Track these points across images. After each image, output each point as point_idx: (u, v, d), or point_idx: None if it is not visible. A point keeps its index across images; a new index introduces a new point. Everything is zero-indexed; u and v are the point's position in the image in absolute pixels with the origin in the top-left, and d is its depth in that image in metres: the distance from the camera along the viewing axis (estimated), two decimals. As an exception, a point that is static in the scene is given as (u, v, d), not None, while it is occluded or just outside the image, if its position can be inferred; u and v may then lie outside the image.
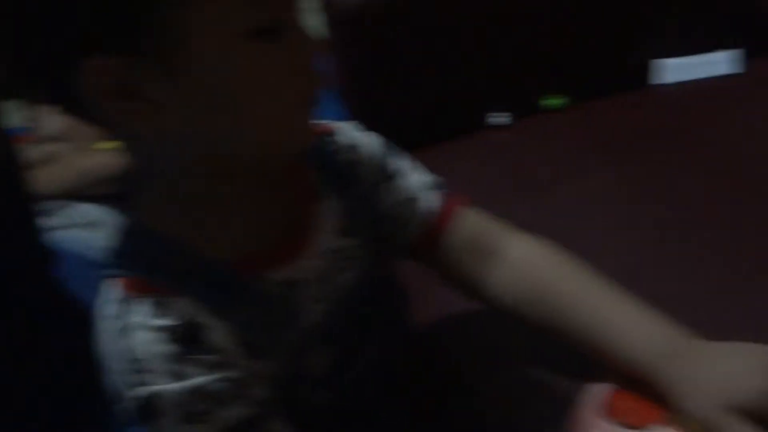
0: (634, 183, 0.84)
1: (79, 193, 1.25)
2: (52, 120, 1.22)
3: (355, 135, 0.64)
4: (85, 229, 1.27)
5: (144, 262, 0.53)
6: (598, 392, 0.59)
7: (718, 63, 0.97)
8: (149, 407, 0.51)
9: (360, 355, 0.61)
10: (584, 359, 0.60)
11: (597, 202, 0.83)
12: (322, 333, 0.58)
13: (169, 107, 0.48)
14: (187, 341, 0.51)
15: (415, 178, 0.65)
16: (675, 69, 0.99)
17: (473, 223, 0.66)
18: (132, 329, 0.51)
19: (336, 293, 0.58)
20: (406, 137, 0.97)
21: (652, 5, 0.99)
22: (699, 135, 0.88)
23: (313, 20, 1.04)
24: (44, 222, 1.19)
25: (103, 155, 1.22)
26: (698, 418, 0.52)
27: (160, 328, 0.50)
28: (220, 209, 0.54)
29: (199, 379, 0.51)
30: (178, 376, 0.50)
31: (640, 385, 0.57)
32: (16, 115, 1.23)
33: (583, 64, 1.01)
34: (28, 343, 1.06)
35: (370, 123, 1.00)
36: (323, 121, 0.63)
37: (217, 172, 0.52)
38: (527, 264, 0.64)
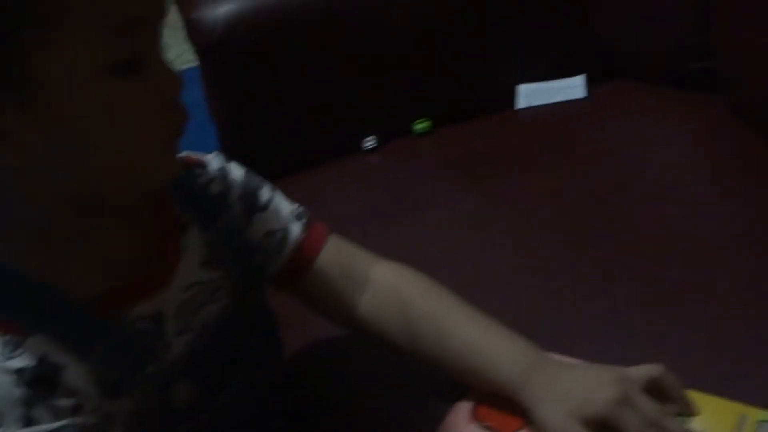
0: (494, 202, 0.89)
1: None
2: None
3: (225, 166, 0.64)
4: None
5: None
6: (467, 402, 0.63)
7: (569, 88, 1.05)
8: None
9: (226, 386, 0.61)
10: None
11: (461, 222, 0.87)
12: (185, 366, 0.58)
13: (31, 145, 0.47)
14: (39, 384, 0.49)
15: (283, 209, 0.66)
16: (531, 94, 1.06)
17: (339, 252, 0.67)
18: None
19: (200, 325, 0.58)
20: (280, 164, 1.00)
21: (511, 34, 1.05)
22: (551, 155, 0.94)
23: (182, 48, 1.04)
24: None
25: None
26: (555, 429, 0.57)
27: (10, 370, 0.49)
28: (78, 246, 0.53)
29: (50, 426, 0.49)
30: (28, 422, 0.49)
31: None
32: None
33: (449, 90, 1.06)
34: None
35: (243, 150, 1.02)
36: (193, 153, 0.63)
37: (78, 208, 0.51)
38: (392, 290, 0.66)
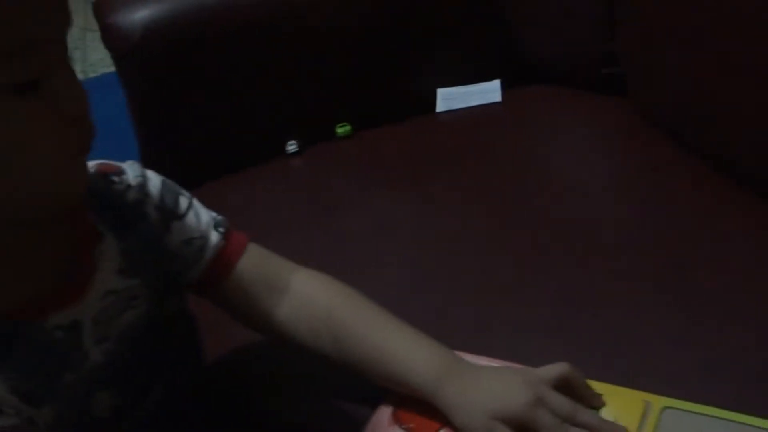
0: (415, 204, 0.91)
1: None
2: None
3: (143, 174, 0.64)
4: None
5: None
6: (388, 405, 0.65)
7: (486, 92, 1.08)
8: None
9: (146, 394, 0.61)
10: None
11: (384, 224, 0.89)
12: (104, 374, 0.57)
13: None
14: None
15: (202, 217, 0.66)
16: (449, 98, 1.09)
17: (258, 260, 0.68)
18: None
19: (118, 333, 0.58)
20: (203, 169, 1.00)
21: (431, 39, 1.08)
22: (469, 157, 0.97)
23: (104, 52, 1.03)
24: None
25: None
26: (466, 419, 0.59)
27: None
28: None
29: None
30: None
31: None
32: None
33: (370, 94, 1.08)
34: None
35: (164, 155, 1.02)
36: (109, 161, 0.63)
37: None
38: (308, 297, 0.67)
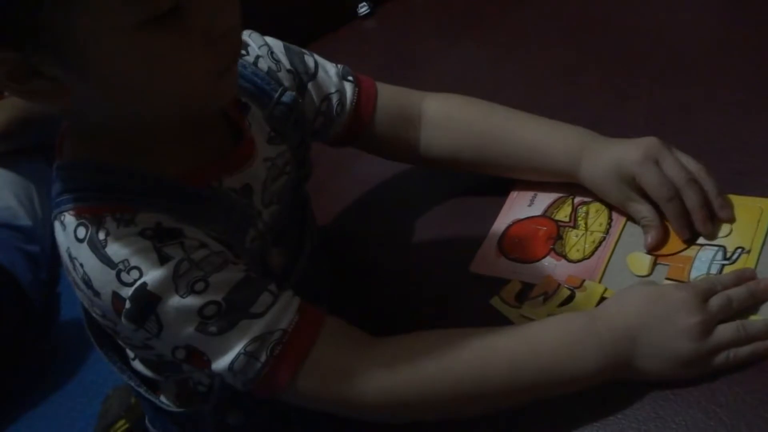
0: (496, 46, 0.91)
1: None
2: None
3: (266, 42, 0.65)
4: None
5: (92, 191, 0.53)
6: (493, 239, 0.68)
7: None
8: (144, 300, 0.51)
9: (301, 251, 0.66)
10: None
11: (466, 71, 0.90)
12: (273, 233, 0.62)
13: (76, 88, 0.49)
14: (165, 234, 0.52)
15: (329, 71, 0.69)
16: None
17: (390, 97, 0.72)
18: (103, 241, 0.51)
19: (278, 197, 0.62)
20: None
21: None
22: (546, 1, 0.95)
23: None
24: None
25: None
26: (606, 190, 0.65)
27: (133, 232, 0.51)
28: (158, 139, 0.55)
29: (184, 254, 0.51)
30: (163, 260, 0.51)
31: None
32: None
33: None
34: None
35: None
36: None
37: (147, 123, 0.53)
38: (444, 117, 0.71)
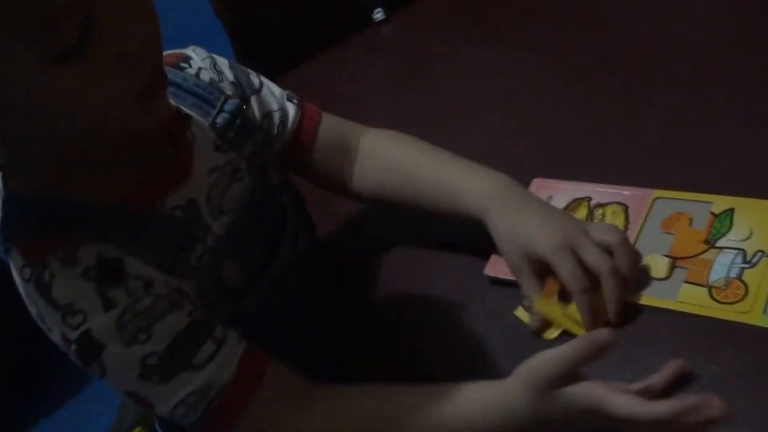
0: (509, 49, 0.91)
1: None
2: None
3: (209, 55, 0.66)
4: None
5: (36, 226, 0.53)
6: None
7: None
8: (88, 345, 0.52)
9: (274, 259, 0.65)
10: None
11: (479, 75, 0.89)
12: (228, 245, 0.61)
13: (6, 130, 0.49)
14: (106, 274, 0.52)
15: (275, 91, 0.69)
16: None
17: (332, 127, 0.72)
18: (47, 284, 0.52)
19: (232, 206, 0.61)
20: (295, 50, 1.01)
21: None
22: (559, 6, 0.94)
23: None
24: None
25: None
26: (505, 254, 0.63)
27: (75, 274, 0.52)
28: (95, 164, 0.54)
29: (128, 301, 0.52)
30: (107, 306, 0.52)
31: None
32: None
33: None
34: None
35: (256, 43, 1.04)
36: (171, 51, 0.64)
37: (82, 151, 0.53)
38: (373, 153, 0.72)
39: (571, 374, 0.51)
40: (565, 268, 0.58)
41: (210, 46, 0.68)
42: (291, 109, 0.69)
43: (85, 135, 0.51)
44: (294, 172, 0.73)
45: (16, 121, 0.48)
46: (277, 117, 0.68)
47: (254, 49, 1.10)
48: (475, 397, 0.54)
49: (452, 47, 0.95)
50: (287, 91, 0.71)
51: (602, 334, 0.50)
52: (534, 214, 0.62)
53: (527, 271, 0.61)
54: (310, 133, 0.70)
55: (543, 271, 0.60)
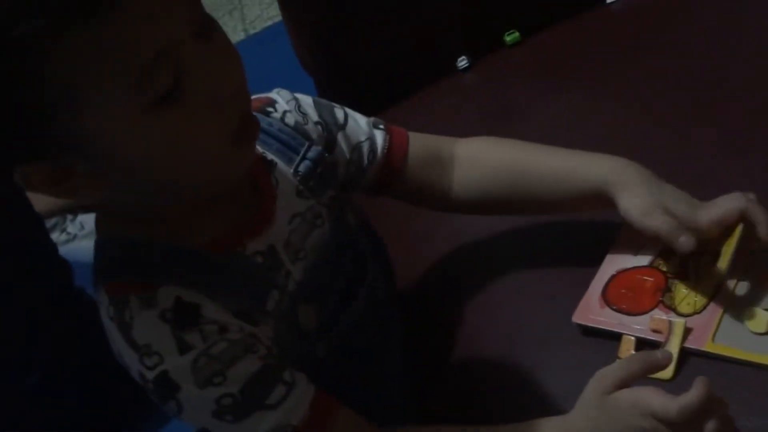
0: (592, 101, 0.91)
1: (70, 207, 1.30)
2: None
3: (295, 97, 0.67)
4: (87, 238, 1.32)
5: (122, 267, 0.56)
6: (596, 288, 0.66)
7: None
8: (164, 385, 0.54)
9: (349, 306, 0.66)
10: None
11: (564, 125, 0.89)
12: (306, 289, 0.62)
13: (107, 179, 0.51)
14: (183, 317, 0.54)
15: (360, 121, 0.71)
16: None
17: (422, 144, 0.73)
18: (128, 324, 0.55)
19: (311, 251, 0.63)
20: (378, 97, 1.03)
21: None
22: (643, 48, 0.94)
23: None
24: (53, 238, 1.24)
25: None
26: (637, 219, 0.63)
27: (153, 315, 0.54)
28: (182, 211, 0.56)
29: (203, 346, 0.54)
30: (182, 349, 0.54)
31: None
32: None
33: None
34: (63, 358, 1.12)
35: (341, 92, 1.06)
36: (257, 95, 0.66)
37: (175, 199, 0.55)
38: (475, 158, 0.73)
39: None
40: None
41: (294, 92, 0.69)
42: (379, 136, 0.70)
43: (179, 184, 0.53)
44: (391, 195, 0.74)
45: (110, 170, 0.51)
46: (366, 147, 0.69)
47: (338, 96, 1.12)
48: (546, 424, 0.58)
49: (536, 96, 0.95)
50: (373, 118, 0.72)
51: (659, 355, 0.57)
52: (658, 182, 0.64)
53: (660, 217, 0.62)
54: (401, 154, 0.71)
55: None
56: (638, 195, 0.63)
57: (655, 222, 0.62)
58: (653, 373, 0.57)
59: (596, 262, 0.69)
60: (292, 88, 0.71)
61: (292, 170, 0.63)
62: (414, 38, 1.06)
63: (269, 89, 0.69)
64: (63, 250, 1.22)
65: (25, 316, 1.13)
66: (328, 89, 1.10)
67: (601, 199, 0.66)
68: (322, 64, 1.10)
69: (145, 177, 0.52)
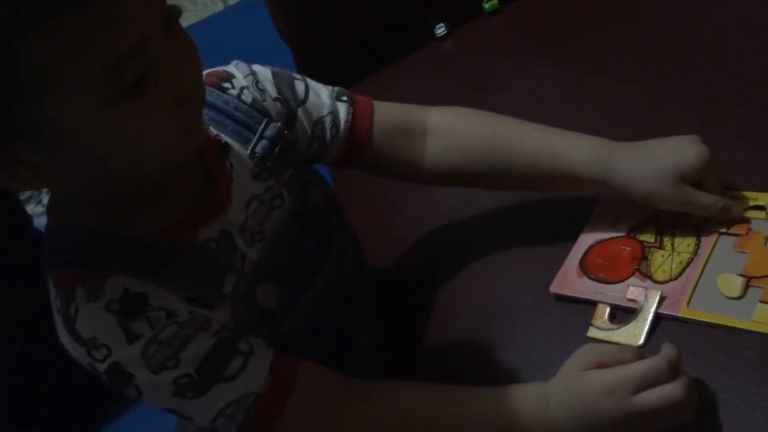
0: (573, 72, 0.91)
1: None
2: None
3: (252, 72, 0.65)
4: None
5: (69, 256, 0.55)
6: (574, 258, 0.66)
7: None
8: (118, 375, 0.54)
9: (310, 284, 0.65)
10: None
11: (543, 96, 0.89)
12: (263, 269, 0.61)
13: (54, 168, 0.51)
14: (129, 308, 0.54)
15: (322, 93, 0.67)
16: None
17: (388, 114, 0.69)
18: (73, 317, 0.54)
19: (270, 232, 0.62)
20: (356, 67, 1.02)
21: None
22: (619, 17, 0.94)
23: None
24: (28, 210, 1.23)
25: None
26: (655, 193, 0.63)
27: (99, 306, 0.53)
28: (133, 198, 0.56)
29: (151, 333, 0.54)
30: (131, 339, 0.53)
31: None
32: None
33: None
34: (39, 335, 1.11)
35: (319, 62, 1.05)
36: (215, 69, 0.64)
37: (120, 182, 0.54)
38: (450, 129, 0.69)
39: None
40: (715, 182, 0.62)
41: (273, 63, 0.68)
42: (342, 108, 0.68)
43: (130, 169, 0.52)
44: (360, 169, 0.72)
45: (66, 157, 0.50)
46: (328, 121, 0.67)
47: (317, 66, 1.11)
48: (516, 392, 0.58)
49: (514, 66, 0.95)
50: (337, 89, 0.69)
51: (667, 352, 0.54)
52: (660, 143, 0.64)
53: (692, 194, 0.62)
54: (365, 127, 0.68)
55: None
56: (647, 167, 0.63)
57: (672, 193, 0.62)
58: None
59: (573, 236, 0.70)
60: (271, 59, 0.69)
61: (248, 152, 0.62)
62: (392, 5, 1.05)
63: (247, 58, 0.67)
64: (38, 222, 1.20)
65: (0, 291, 1.12)
66: (306, 59, 1.09)
67: (586, 180, 0.65)
68: (300, 34, 1.09)
69: (96, 166, 0.51)
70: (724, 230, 0.64)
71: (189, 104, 0.52)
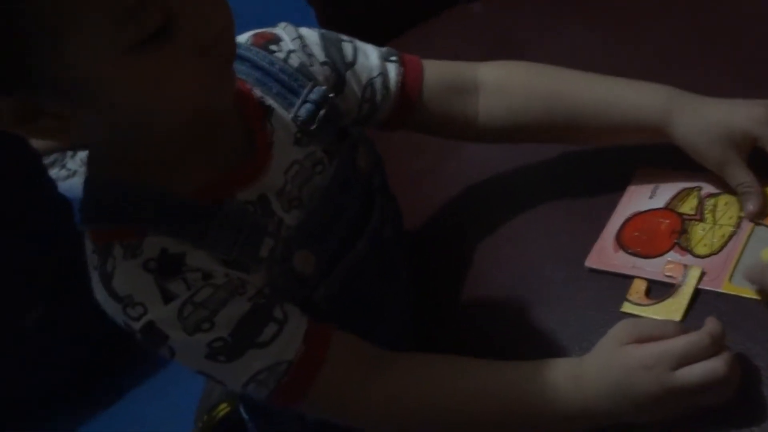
0: (607, 31, 0.87)
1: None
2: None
3: (300, 35, 0.64)
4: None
5: (106, 211, 0.55)
6: (611, 232, 0.64)
7: None
8: (152, 335, 0.54)
9: (348, 249, 0.64)
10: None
11: (576, 55, 0.86)
12: (300, 235, 0.60)
13: (80, 119, 0.50)
14: (166, 268, 0.54)
15: (370, 55, 0.66)
16: None
17: (439, 72, 0.69)
18: (110, 274, 0.54)
19: (309, 198, 0.61)
20: (383, 28, 1.00)
21: None
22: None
23: None
24: (52, 175, 1.23)
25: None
26: (698, 146, 0.61)
27: (136, 264, 0.53)
28: (169, 154, 0.55)
29: (187, 294, 0.54)
30: (167, 299, 0.53)
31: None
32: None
33: None
34: (62, 295, 1.12)
35: (344, 23, 1.02)
36: (262, 30, 0.63)
37: (155, 138, 0.54)
38: (502, 83, 0.68)
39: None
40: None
41: (296, 24, 0.66)
42: (392, 69, 0.67)
43: (159, 120, 0.51)
44: (412, 129, 0.71)
45: (96, 110, 0.50)
46: (378, 82, 0.66)
47: (342, 28, 1.08)
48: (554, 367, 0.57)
49: (545, 25, 0.92)
50: (385, 49, 0.68)
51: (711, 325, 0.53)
52: (721, 102, 0.62)
53: (734, 160, 0.61)
54: (416, 86, 0.67)
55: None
56: (698, 121, 0.61)
57: (715, 152, 0.61)
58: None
59: (609, 208, 0.68)
60: (294, 18, 0.67)
61: (291, 115, 0.61)
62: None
63: (270, 19, 0.65)
64: (63, 187, 1.20)
65: (25, 253, 1.12)
66: (330, 21, 1.06)
67: (647, 130, 0.63)
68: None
69: (121, 117, 0.50)
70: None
71: (213, 55, 0.50)
